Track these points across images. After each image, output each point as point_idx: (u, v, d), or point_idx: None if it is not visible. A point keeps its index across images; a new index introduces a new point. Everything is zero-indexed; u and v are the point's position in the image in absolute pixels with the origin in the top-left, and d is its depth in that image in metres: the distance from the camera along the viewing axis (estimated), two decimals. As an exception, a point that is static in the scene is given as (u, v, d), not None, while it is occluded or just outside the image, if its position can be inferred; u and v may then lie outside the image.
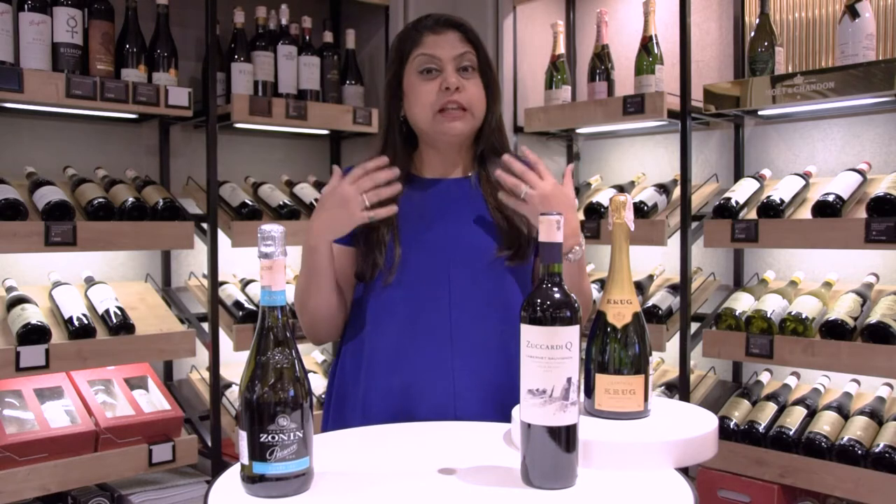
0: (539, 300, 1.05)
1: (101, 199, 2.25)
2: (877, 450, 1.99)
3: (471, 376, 1.42)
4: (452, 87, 1.44)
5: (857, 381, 2.29)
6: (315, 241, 1.40)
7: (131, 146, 2.67)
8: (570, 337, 1.03)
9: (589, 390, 1.23)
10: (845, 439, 2.04)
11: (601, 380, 1.21)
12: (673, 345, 2.44)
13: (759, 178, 2.42)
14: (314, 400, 2.59)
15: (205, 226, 2.48)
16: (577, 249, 1.41)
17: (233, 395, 2.56)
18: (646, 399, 1.22)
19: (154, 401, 2.40)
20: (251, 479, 1.01)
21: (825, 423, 2.11)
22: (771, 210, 2.21)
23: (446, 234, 1.46)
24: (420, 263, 1.44)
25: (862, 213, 2.06)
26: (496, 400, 1.42)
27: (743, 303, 2.31)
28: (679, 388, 2.42)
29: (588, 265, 2.93)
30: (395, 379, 1.43)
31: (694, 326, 2.46)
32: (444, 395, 1.41)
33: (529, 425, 1.04)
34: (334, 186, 1.38)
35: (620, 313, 1.23)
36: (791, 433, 2.13)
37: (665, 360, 2.75)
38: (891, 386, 2.24)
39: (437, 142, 1.50)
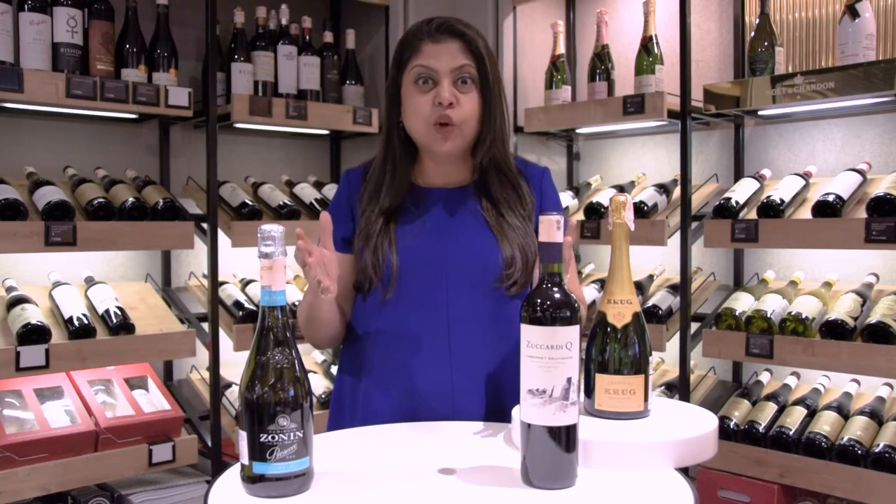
0: (539, 300, 1.05)
1: (101, 199, 2.25)
2: (877, 450, 1.99)
3: (470, 392, 1.41)
4: (445, 103, 1.40)
5: (857, 381, 2.29)
6: (310, 296, 1.41)
7: (131, 146, 2.67)
8: (570, 337, 1.03)
9: (589, 390, 1.24)
10: (845, 439, 2.04)
11: (601, 380, 1.22)
12: (673, 345, 2.44)
13: (759, 178, 2.42)
14: (314, 400, 2.59)
15: (205, 226, 2.48)
16: None
17: (233, 395, 2.56)
18: (646, 399, 1.22)
19: (154, 401, 2.40)
20: (251, 479, 1.02)
21: (825, 423, 2.11)
22: (771, 210, 2.21)
23: (445, 248, 1.44)
24: (418, 280, 1.42)
25: (862, 213, 2.06)
26: (496, 415, 1.42)
27: (743, 303, 2.31)
28: (679, 388, 2.42)
29: (588, 265, 2.94)
30: (393, 395, 1.42)
31: (694, 326, 2.46)
32: (444, 411, 1.40)
33: (529, 425, 1.04)
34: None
35: (620, 313, 1.23)
36: (791, 433, 2.13)
37: (665, 360, 2.75)
38: (891, 386, 2.24)
39: (432, 153, 1.48)
